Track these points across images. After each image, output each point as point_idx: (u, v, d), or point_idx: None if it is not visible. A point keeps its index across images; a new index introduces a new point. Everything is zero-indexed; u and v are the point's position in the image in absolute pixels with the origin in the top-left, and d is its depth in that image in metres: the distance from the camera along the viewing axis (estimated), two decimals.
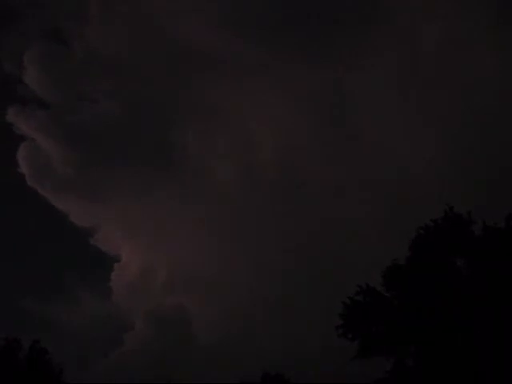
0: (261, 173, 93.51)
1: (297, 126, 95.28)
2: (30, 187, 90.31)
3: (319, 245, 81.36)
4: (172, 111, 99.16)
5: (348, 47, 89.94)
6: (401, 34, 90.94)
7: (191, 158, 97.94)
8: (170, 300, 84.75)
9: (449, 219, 33.39)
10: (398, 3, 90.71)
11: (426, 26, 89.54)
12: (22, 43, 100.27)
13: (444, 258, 32.54)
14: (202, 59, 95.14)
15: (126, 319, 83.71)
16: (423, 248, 33.30)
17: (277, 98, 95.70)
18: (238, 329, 73.73)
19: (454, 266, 32.43)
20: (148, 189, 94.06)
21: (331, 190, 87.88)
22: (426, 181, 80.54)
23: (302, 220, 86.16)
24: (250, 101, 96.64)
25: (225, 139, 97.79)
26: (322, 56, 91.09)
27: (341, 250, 77.63)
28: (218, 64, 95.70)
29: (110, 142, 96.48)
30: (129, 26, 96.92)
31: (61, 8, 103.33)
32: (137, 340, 75.84)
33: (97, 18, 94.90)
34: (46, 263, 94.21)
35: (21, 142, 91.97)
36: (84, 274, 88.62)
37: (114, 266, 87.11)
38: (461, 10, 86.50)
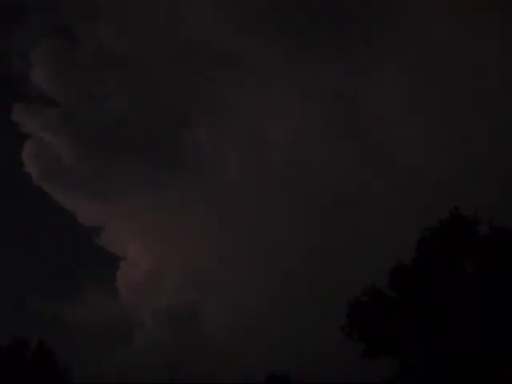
0: (271, 173, 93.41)
1: (309, 126, 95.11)
2: (37, 186, 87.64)
3: (330, 245, 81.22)
4: (183, 111, 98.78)
5: (357, 48, 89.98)
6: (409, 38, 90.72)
7: (202, 158, 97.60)
8: (179, 299, 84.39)
9: (454, 220, 33.20)
10: (412, 4, 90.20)
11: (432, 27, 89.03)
12: (29, 40, 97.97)
13: (449, 258, 32.34)
14: (215, 58, 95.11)
15: (134, 318, 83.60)
16: (429, 249, 33.16)
17: (289, 98, 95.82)
18: (247, 328, 73.68)
19: (459, 267, 32.23)
20: (157, 188, 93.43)
21: (339, 192, 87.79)
22: (437, 183, 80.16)
23: (313, 221, 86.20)
24: (261, 101, 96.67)
25: (236, 139, 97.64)
26: (332, 55, 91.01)
27: (349, 250, 77.56)
28: (230, 64, 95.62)
29: (118, 140, 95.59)
30: (140, 24, 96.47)
31: (70, 5, 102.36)
32: (146, 339, 75.84)
33: (107, 15, 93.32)
34: (53, 263, 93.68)
35: (27, 141, 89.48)
36: (91, 273, 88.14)
37: (121, 265, 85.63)
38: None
